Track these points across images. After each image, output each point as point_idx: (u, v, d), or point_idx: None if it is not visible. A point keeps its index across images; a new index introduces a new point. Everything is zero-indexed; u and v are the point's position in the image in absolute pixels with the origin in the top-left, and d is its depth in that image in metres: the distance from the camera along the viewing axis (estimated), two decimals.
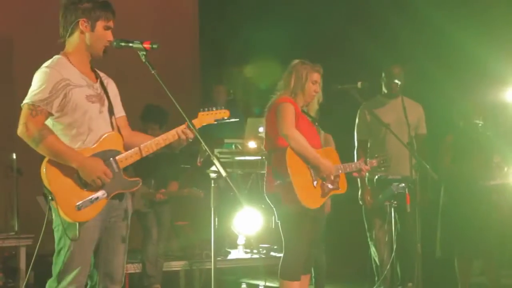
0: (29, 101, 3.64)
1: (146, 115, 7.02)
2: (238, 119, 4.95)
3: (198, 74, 10.98)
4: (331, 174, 5.15)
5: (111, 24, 3.83)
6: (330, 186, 5.21)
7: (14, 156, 7.50)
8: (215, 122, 4.11)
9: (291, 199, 5.00)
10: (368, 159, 5.61)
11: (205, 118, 4.06)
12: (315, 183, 5.11)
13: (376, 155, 5.67)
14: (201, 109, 4.08)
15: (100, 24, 3.79)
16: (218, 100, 8.72)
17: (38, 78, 3.69)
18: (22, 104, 3.67)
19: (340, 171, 5.30)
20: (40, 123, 3.63)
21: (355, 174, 5.55)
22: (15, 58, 8.55)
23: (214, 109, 4.10)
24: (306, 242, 5.17)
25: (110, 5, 3.85)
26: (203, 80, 10.93)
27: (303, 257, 5.16)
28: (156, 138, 3.90)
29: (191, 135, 3.89)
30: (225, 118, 4.14)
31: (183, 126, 3.89)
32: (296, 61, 5.42)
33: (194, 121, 3.92)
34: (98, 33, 3.79)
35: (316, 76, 5.33)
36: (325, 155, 5.27)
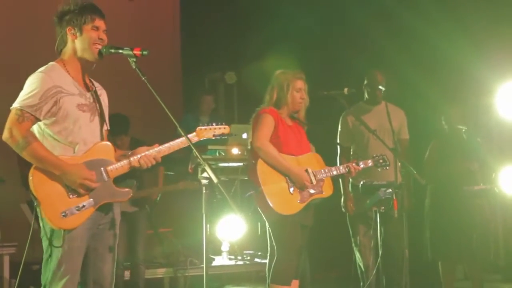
0: (18, 106, 3.65)
1: (118, 128, 6.87)
2: (236, 134, 5.03)
3: (180, 80, 10.96)
4: (304, 183, 5.18)
5: (98, 23, 3.84)
6: (311, 191, 5.25)
7: None
8: (214, 138, 4.19)
9: (266, 207, 5.09)
10: (360, 160, 5.64)
11: (204, 133, 4.15)
12: (291, 189, 5.17)
13: (373, 155, 5.70)
14: (200, 124, 4.16)
15: (86, 28, 3.81)
16: (206, 109, 8.71)
17: (30, 83, 3.71)
18: (11, 107, 3.68)
19: (324, 175, 5.33)
20: (25, 130, 3.64)
21: (347, 175, 5.58)
22: None
23: (214, 124, 4.19)
24: (295, 246, 5.21)
25: (92, 7, 3.88)
26: (184, 86, 10.92)
27: (294, 261, 5.21)
28: (145, 153, 3.91)
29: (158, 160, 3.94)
30: (225, 134, 4.19)
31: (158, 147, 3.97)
32: (277, 72, 5.48)
33: (192, 136, 4.05)
34: (85, 36, 3.80)
35: (300, 84, 5.39)
36: (307, 161, 5.32)
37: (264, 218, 5.28)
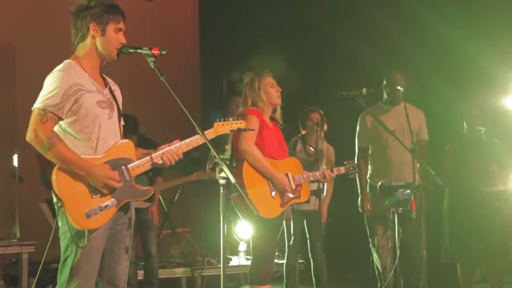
0: (41, 106, 3.61)
1: (129, 127, 6.91)
2: (253, 129, 5.06)
3: (198, 80, 10.99)
4: (284, 188, 5.24)
5: (121, 26, 3.82)
6: (290, 195, 5.33)
7: (16, 163, 7.50)
8: (230, 132, 4.17)
9: (248, 209, 5.06)
10: (334, 166, 5.73)
11: (221, 128, 4.11)
12: (273, 193, 5.23)
13: (345, 162, 5.77)
14: (217, 120, 4.12)
15: (110, 28, 3.78)
16: (235, 110, 8.72)
17: (50, 82, 3.66)
18: (32, 108, 3.64)
19: (302, 181, 5.41)
20: (50, 130, 3.61)
21: (322, 180, 5.68)
22: (17, 65, 8.56)
23: (230, 119, 4.15)
24: (273, 248, 5.31)
25: (118, 8, 3.85)
26: (202, 86, 10.95)
27: (271, 262, 5.31)
28: (167, 148, 3.90)
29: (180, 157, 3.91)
30: (241, 128, 4.18)
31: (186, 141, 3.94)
32: (246, 79, 5.52)
33: (210, 131, 4.01)
34: (109, 37, 3.78)
35: (269, 80, 5.46)
36: (287, 165, 5.39)
37: (242, 219, 5.38)
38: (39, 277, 4.21)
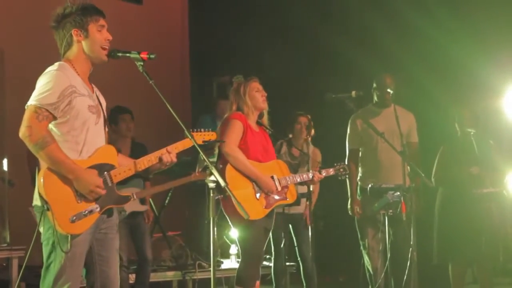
0: (37, 103, 3.55)
1: (120, 109, 6.90)
2: (224, 141, 5.12)
3: (188, 84, 10.98)
4: (270, 189, 5.29)
5: (102, 23, 3.81)
6: (276, 197, 5.37)
7: (5, 167, 7.45)
8: (203, 143, 4.21)
9: (233, 211, 5.14)
10: (322, 168, 5.77)
11: (194, 138, 4.13)
12: (258, 195, 5.27)
13: (335, 164, 5.81)
14: (190, 130, 4.12)
15: (92, 28, 3.77)
16: (221, 114, 8.73)
17: (46, 80, 3.61)
18: (27, 105, 3.58)
19: (288, 182, 5.45)
20: (45, 129, 3.56)
21: (310, 182, 5.71)
22: (6, 69, 8.53)
23: (202, 130, 4.20)
24: (259, 250, 5.32)
25: (93, 7, 3.84)
26: (192, 89, 10.94)
27: (258, 264, 5.34)
28: (148, 155, 3.91)
29: (174, 160, 3.93)
30: (212, 139, 4.24)
31: (172, 146, 3.96)
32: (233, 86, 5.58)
33: (184, 141, 4.00)
34: (93, 37, 3.77)
35: (255, 85, 5.50)
36: (272, 168, 5.43)
37: (230, 223, 5.39)
38: (29, 281, 4.20)
